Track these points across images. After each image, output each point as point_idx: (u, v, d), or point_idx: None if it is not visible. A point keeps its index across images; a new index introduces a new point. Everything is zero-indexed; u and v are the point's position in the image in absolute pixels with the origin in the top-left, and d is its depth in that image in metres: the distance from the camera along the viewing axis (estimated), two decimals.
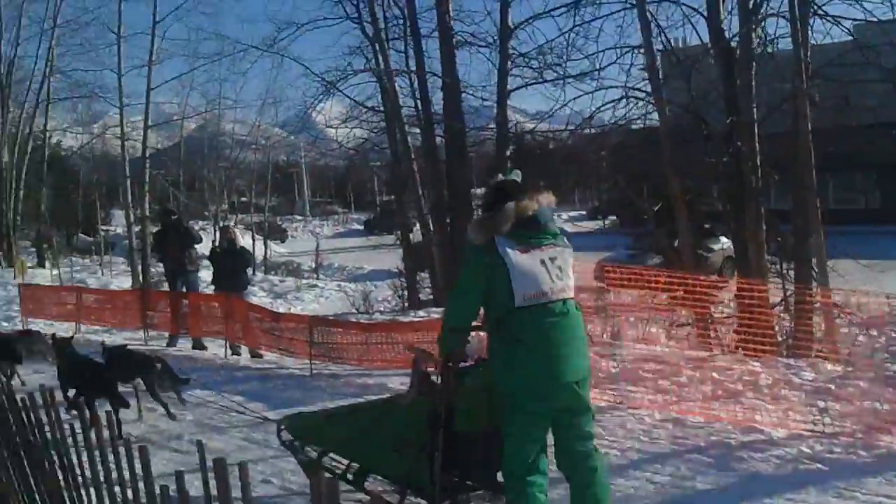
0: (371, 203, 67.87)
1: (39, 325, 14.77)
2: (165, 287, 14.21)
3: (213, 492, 2.10)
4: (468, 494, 4.59)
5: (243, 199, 48.64)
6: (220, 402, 7.91)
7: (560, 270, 4.04)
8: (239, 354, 11.21)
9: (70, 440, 3.17)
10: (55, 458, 3.27)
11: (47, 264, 31.88)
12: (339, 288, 24.10)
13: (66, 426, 3.17)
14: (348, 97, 18.15)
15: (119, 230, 50.01)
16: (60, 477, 3.27)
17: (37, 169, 34.42)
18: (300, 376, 9.42)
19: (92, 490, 3.07)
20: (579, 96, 15.80)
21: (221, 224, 26.54)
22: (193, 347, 11.86)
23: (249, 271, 12.61)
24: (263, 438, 6.44)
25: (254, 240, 33.96)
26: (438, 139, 17.17)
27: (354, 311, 18.43)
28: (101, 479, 3.00)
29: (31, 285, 17.06)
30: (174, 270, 12.40)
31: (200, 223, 32.89)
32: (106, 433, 2.95)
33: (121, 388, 6.79)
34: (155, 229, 16.92)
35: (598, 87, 14.24)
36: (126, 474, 2.75)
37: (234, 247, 11.96)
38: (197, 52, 26.93)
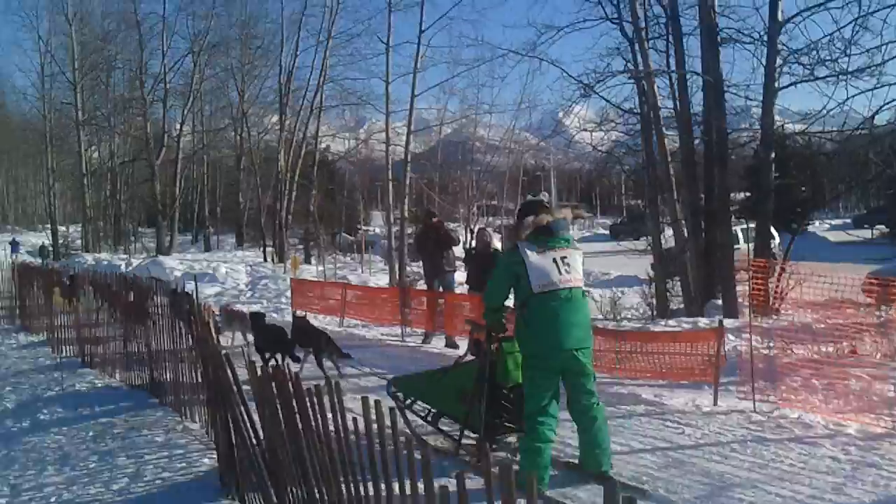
0: (617, 207, 66.91)
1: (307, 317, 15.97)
2: (422, 286, 14.75)
3: None
4: (505, 432, 6.07)
5: (492, 201, 49.60)
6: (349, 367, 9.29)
7: (569, 266, 5.39)
8: None
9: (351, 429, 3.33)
10: (334, 445, 3.45)
11: (313, 261, 34.30)
12: (585, 293, 23.80)
13: (350, 418, 3.33)
14: (605, 99, 17.89)
15: (377, 230, 52.86)
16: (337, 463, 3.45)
17: (308, 172, 37.12)
18: None
19: (370, 484, 3.22)
20: (855, 95, 14.49)
21: (475, 226, 27.20)
22: (446, 345, 12.18)
23: None
24: None
25: (502, 242, 34.47)
26: (697, 141, 16.47)
27: (601, 317, 18.13)
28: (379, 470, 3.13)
29: (302, 280, 18.36)
30: (432, 270, 12.82)
31: (451, 225, 33.95)
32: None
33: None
34: (416, 230, 17.52)
35: (879, 84, 13.09)
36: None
37: (489, 249, 12.16)
38: (458, 59, 27.77)
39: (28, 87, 49.26)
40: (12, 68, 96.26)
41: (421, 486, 2.76)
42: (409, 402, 6.49)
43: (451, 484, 2.60)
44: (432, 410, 6.40)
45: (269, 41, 39.34)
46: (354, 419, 3.27)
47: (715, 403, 7.62)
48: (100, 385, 9.38)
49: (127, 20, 42.14)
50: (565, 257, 5.42)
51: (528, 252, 5.36)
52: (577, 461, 5.66)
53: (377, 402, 3.06)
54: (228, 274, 24.91)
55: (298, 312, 11.75)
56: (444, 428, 6.39)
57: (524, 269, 5.33)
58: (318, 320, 15.56)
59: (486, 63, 28.37)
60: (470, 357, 6.65)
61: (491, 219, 44.81)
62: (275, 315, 17.06)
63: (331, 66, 34.70)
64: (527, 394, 5.41)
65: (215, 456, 6.01)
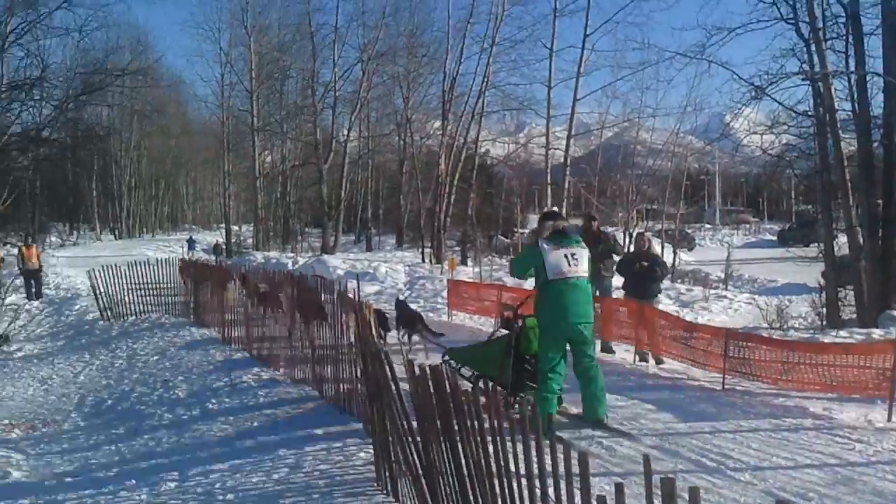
0: (786, 212, 63.78)
1: (462, 317, 16.16)
2: None
3: None
4: (526, 389, 7.19)
5: (651, 206, 48.40)
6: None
7: (576, 261, 6.89)
8: (646, 361, 11.07)
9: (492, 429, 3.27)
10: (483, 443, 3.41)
11: (469, 262, 34.62)
12: (749, 300, 22.83)
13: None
14: (777, 101, 17.08)
15: None
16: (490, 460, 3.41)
17: (467, 175, 37.53)
18: (710, 389, 8.99)
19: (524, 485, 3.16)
20: None
21: (634, 231, 26.64)
22: (602, 350, 11.95)
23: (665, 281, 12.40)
24: None
25: (662, 247, 33.63)
26: (875, 145, 15.46)
27: (766, 325, 17.31)
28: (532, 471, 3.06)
29: (458, 281, 18.53)
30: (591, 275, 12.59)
31: (610, 229, 33.40)
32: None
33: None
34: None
35: None
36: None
37: (649, 255, 11.87)
38: (622, 63, 27.24)
39: (209, 96, 52.54)
40: (195, 77, 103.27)
41: (578, 491, 2.68)
42: (459, 367, 7.66)
43: (609, 492, 2.52)
44: (475, 373, 7.57)
45: (434, 49, 40.10)
46: (510, 419, 3.20)
47: (889, 419, 7.15)
48: (265, 378, 9.78)
49: (301, 31, 44.26)
50: (574, 254, 6.95)
51: (546, 247, 6.97)
52: (580, 413, 7.12)
53: (533, 405, 2.98)
54: (388, 273, 25.49)
55: (399, 296, 13.95)
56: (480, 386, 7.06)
57: (542, 261, 6.92)
58: (473, 321, 15.74)
59: (652, 66, 27.68)
60: (502, 332, 8.13)
61: (651, 223, 43.74)
62: (431, 314, 17.34)
63: (493, 72, 35.03)
64: (540, 356, 6.97)
65: (372, 451, 6.11)
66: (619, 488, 2.49)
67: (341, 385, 7.82)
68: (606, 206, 38.18)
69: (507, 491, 3.29)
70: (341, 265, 29.11)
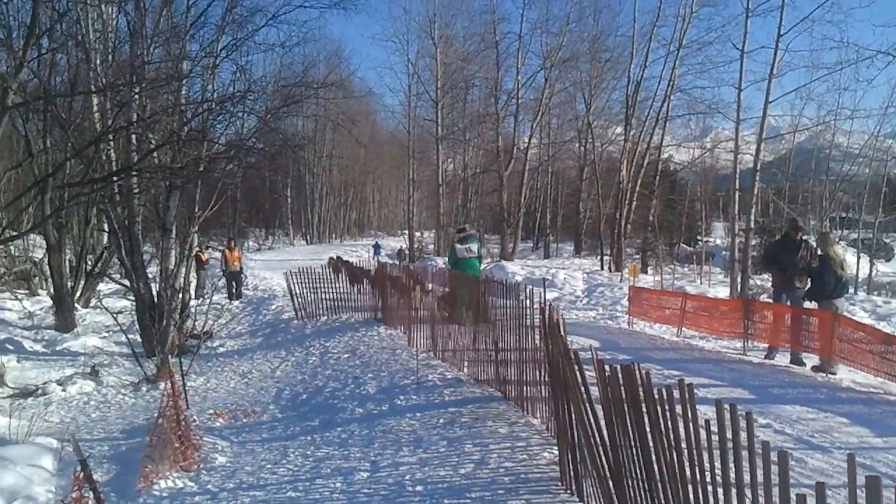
0: None
1: (641, 325, 15.90)
2: (765, 299, 13.92)
3: None
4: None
5: (846, 214, 45.42)
6: None
7: (470, 249, 13.86)
8: (834, 374, 10.48)
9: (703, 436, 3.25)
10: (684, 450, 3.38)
11: (650, 270, 33.92)
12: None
13: (702, 421, 3.25)
14: None
15: (718, 241, 50.93)
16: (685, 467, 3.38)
17: (649, 182, 36.85)
18: None
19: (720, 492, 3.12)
20: None
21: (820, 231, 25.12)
22: (791, 362, 11.44)
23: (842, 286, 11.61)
24: None
25: (858, 257, 31.54)
26: None
27: None
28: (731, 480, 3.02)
29: (640, 288, 18.22)
30: (783, 284, 12.07)
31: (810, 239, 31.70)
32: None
33: None
34: (767, 240, 16.59)
35: None
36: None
37: (826, 260, 11.30)
38: (818, 63, 25.78)
39: (396, 106, 54.52)
40: (383, 89, 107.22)
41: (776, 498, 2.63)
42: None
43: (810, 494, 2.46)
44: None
45: (618, 54, 39.84)
46: (707, 422, 3.17)
47: None
48: (449, 377, 10.03)
49: (486, 41, 45.17)
50: (471, 246, 13.92)
51: (457, 245, 13.98)
52: None
53: (733, 406, 2.95)
54: (566, 280, 25.40)
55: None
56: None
57: (454, 251, 13.91)
58: (654, 329, 15.45)
59: (851, 66, 25.97)
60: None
61: (846, 232, 41.08)
62: (610, 322, 17.17)
63: (679, 75, 34.35)
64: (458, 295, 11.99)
65: (555, 451, 6.17)
66: (819, 488, 2.43)
67: (525, 387, 7.92)
68: (798, 212, 36.26)
69: (700, 496, 3.26)
70: (520, 271, 29.32)
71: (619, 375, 3.90)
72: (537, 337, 7.33)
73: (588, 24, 41.93)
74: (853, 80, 41.47)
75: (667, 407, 3.40)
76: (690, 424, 3.24)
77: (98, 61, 15.46)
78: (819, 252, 11.63)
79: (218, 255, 26.78)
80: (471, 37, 47.78)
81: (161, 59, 15.84)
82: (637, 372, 3.67)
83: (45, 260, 20.60)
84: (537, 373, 7.37)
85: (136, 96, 13.93)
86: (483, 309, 10.19)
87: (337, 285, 18.02)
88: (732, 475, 3.02)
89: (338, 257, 21.57)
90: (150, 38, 15.36)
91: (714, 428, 3.13)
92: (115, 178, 13.57)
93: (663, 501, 3.62)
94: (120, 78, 14.78)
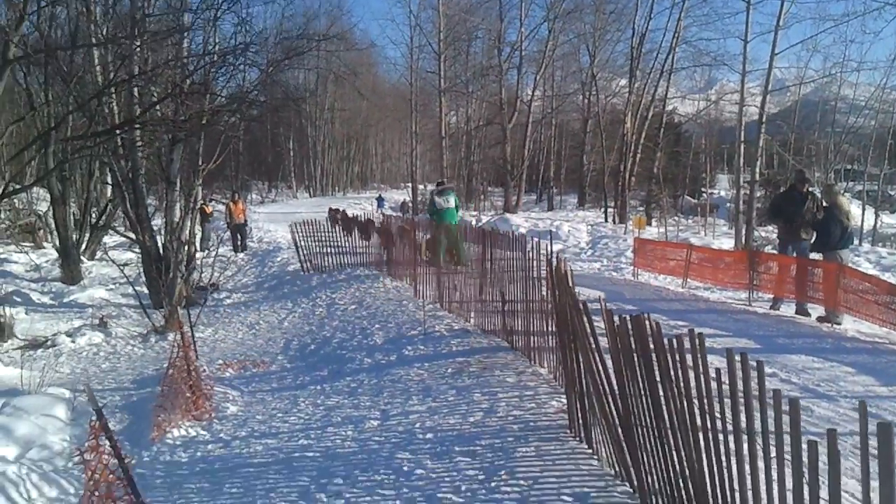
0: None
1: (646, 276, 15.98)
2: (769, 251, 13.94)
3: None
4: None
5: (852, 166, 45.17)
6: None
7: (448, 201, 15.35)
8: (839, 324, 10.58)
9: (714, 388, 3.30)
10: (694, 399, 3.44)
11: (654, 223, 33.92)
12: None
13: (713, 370, 3.30)
14: None
15: (722, 193, 50.84)
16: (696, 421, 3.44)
17: (653, 134, 36.66)
18: None
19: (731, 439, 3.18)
20: None
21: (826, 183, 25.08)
22: (796, 312, 11.53)
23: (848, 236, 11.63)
24: None
25: (863, 209, 31.53)
26: None
27: None
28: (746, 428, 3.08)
29: (645, 240, 18.26)
30: (788, 235, 12.09)
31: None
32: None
33: None
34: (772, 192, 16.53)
35: None
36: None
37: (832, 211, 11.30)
38: (825, 14, 25.50)
39: (398, 58, 54.03)
40: (385, 41, 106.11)
41: (788, 446, 2.69)
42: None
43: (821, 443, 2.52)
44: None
45: (623, 5, 39.38)
46: (718, 371, 3.22)
47: None
48: (456, 328, 10.12)
49: None
50: (448, 199, 15.36)
51: (436, 198, 15.48)
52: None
53: (743, 355, 2.99)
54: (570, 233, 25.44)
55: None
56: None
57: (433, 203, 15.48)
58: (659, 280, 15.53)
59: (858, 17, 25.66)
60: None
61: (851, 184, 40.95)
62: (614, 273, 17.23)
63: (685, 26, 33.96)
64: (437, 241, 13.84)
65: (563, 400, 6.26)
66: (831, 434, 2.48)
67: (532, 337, 7.99)
68: (803, 165, 36.13)
69: (710, 442, 3.33)
70: (524, 223, 29.35)
71: (629, 325, 3.95)
72: (544, 288, 7.38)
73: None
74: (860, 32, 41.05)
75: (677, 356, 3.45)
76: (701, 373, 3.29)
77: (99, 14, 15.32)
78: (825, 203, 11.64)
79: (222, 207, 26.80)
80: None
81: (162, 12, 15.66)
82: (647, 322, 3.71)
83: (50, 213, 20.65)
84: (544, 323, 7.45)
85: (138, 49, 13.81)
86: (458, 252, 13.44)
87: (342, 238, 18.06)
88: (742, 423, 3.08)
89: (337, 209, 21.60)
90: None
91: (724, 377, 3.17)
92: (117, 132, 13.52)
93: (673, 448, 3.69)
94: (121, 31, 14.65)
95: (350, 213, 20.97)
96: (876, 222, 32.52)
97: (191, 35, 16.38)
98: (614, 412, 4.53)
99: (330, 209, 22.09)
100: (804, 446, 2.61)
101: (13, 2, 13.62)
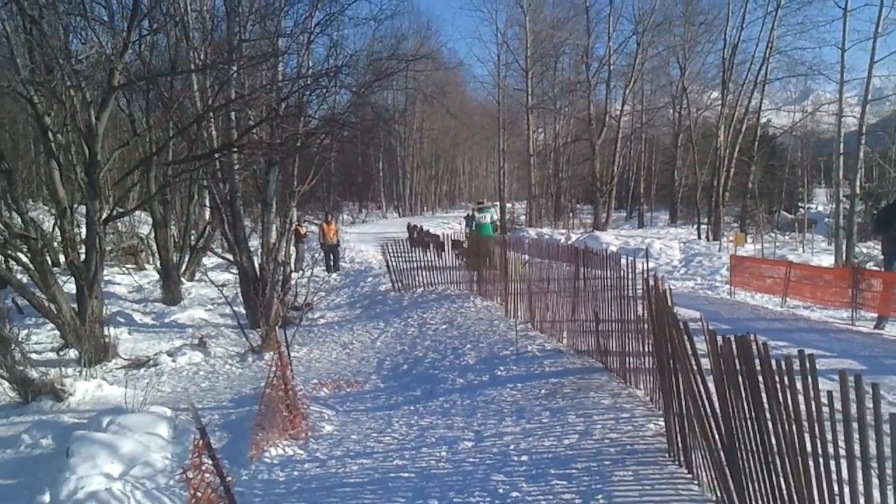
0: None
1: (742, 295, 15.54)
2: (871, 267, 13.39)
3: None
4: None
5: None
6: None
7: (484, 218, 23.00)
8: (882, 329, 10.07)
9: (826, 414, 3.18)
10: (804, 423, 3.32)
11: (749, 238, 33.03)
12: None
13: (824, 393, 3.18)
14: None
15: (820, 208, 49.19)
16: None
17: (747, 147, 35.80)
18: None
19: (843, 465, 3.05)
20: None
21: None
22: (875, 327, 11.04)
23: None
24: None
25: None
26: None
27: None
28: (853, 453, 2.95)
29: (742, 257, 17.78)
30: (893, 251, 11.60)
31: None
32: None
33: None
34: (875, 207, 15.92)
35: None
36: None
37: None
38: None
39: (485, 76, 54.44)
40: (473, 59, 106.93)
41: None
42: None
43: None
44: None
45: (713, 16, 38.70)
46: (829, 394, 3.10)
47: None
48: (549, 348, 10.04)
49: (576, 7, 44.59)
50: (485, 216, 23.37)
51: (476, 214, 24.29)
52: None
53: (857, 378, 2.87)
54: (662, 250, 24.95)
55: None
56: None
57: (474, 218, 24.07)
58: (755, 299, 15.07)
59: None
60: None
61: None
62: (709, 292, 16.82)
63: (778, 36, 33.07)
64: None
65: (661, 423, 6.12)
66: None
67: (627, 358, 7.86)
68: None
69: (821, 469, 3.20)
70: (614, 241, 28.96)
71: (734, 346, 3.85)
72: (639, 307, 7.26)
73: None
74: None
75: (785, 378, 3.34)
76: (812, 396, 3.18)
77: (197, 40, 15.90)
78: None
79: (315, 228, 27.32)
80: (560, 3, 47.29)
81: (258, 37, 16.15)
82: (754, 343, 3.61)
83: (152, 235, 21.44)
84: (640, 344, 7.32)
85: (235, 74, 14.26)
86: (491, 258, 15.03)
87: (433, 257, 18.20)
88: (856, 449, 2.96)
89: (416, 226, 21.95)
90: (247, 16, 15.66)
91: (834, 400, 3.05)
92: (216, 155, 13.97)
93: (781, 474, 3.57)
94: (218, 56, 15.15)
95: (430, 229, 21.36)
96: None
97: (285, 59, 16.88)
98: (717, 436, 4.41)
99: (409, 225, 22.60)
100: None
101: (117, 31, 14.29)
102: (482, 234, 19.26)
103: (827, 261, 22.68)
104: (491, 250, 14.97)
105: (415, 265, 18.15)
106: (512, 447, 6.43)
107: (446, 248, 18.60)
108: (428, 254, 18.34)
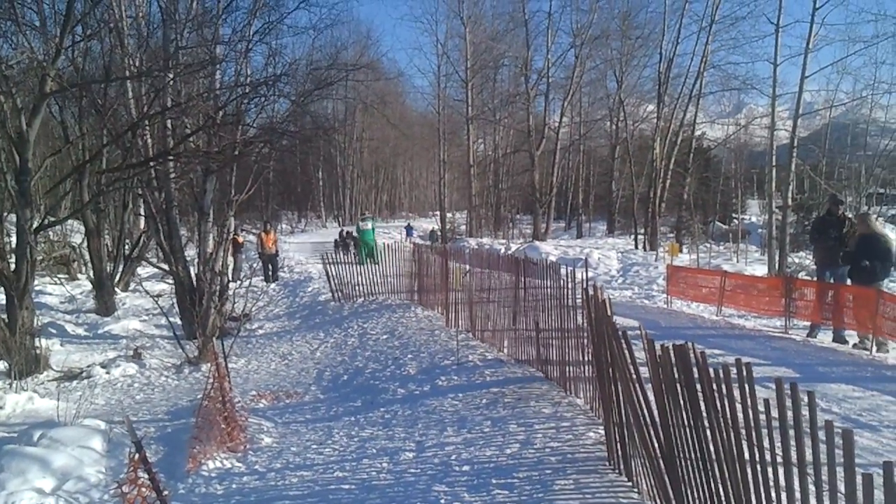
0: None
1: (679, 304, 15.80)
2: (802, 276, 13.74)
3: None
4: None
5: (885, 189, 44.58)
6: None
7: (366, 225, 24.77)
8: (887, 352, 10.38)
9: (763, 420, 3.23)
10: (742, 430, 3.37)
11: (685, 249, 33.65)
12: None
13: (761, 401, 3.23)
14: None
15: (753, 219, 50.40)
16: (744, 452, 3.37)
17: (682, 159, 36.49)
18: None
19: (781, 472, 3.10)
20: None
21: (859, 212, 24.79)
22: (834, 340, 11.35)
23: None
24: None
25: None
26: None
27: None
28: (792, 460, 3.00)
29: (679, 267, 18.09)
30: (826, 261, 11.93)
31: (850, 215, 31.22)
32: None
33: None
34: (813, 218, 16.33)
35: None
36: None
37: (872, 237, 11.07)
38: (854, 36, 25.30)
39: (426, 87, 54.49)
40: (413, 70, 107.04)
41: (841, 479, 2.62)
42: None
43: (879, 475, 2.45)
44: None
45: (649, 31, 39.39)
46: (766, 401, 3.15)
47: None
48: (490, 358, 10.06)
49: (515, 20, 44.91)
50: (367, 223, 24.44)
51: (360, 223, 25.70)
52: None
53: (793, 386, 2.93)
54: (600, 260, 25.27)
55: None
56: None
57: (358, 226, 25.38)
58: (692, 308, 15.34)
59: (888, 39, 25.45)
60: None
61: (884, 208, 40.43)
62: (646, 301, 17.06)
63: (712, 51, 33.86)
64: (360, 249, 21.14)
65: (601, 431, 6.17)
66: (888, 467, 2.41)
67: (567, 367, 7.92)
68: (834, 189, 35.81)
69: (759, 476, 3.25)
70: (553, 251, 29.24)
71: (672, 355, 3.89)
72: (579, 317, 7.32)
73: (618, 1, 41.61)
74: (891, 54, 40.55)
75: (723, 386, 3.39)
76: (749, 404, 3.22)
77: (132, 47, 15.59)
78: (872, 231, 11.33)
79: (252, 238, 26.98)
80: (500, 16, 47.57)
81: (195, 45, 15.91)
82: (692, 351, 3.66)
83: (84, 245, 20.90)
84: (580, 353, 7.38)
85: (171, 82, 14.03)
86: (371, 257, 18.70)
87: (372, 267, 18.11)
88: (793, 456, 3.01)
89: (346, 232, 22.17)
90: (183, 23, 15.41)
91: (773, 407, 3.10)
92: (151, 164, 13.70)
93: (719, 481, 3.61)
94: (154, 64, 14.89)
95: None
96: None
97: (223, 67, 16.66)
98: (656, 444, 4.46)
99: (341, 232, 23.22)
100: (858, 479, 2.53)
101: (49, 37, 13.93)
102: (364, 238, 23.84)
103: (760, 270, 23.19)
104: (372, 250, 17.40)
105: (356, 276, 18.04)
106: (453, 457, 6.41)
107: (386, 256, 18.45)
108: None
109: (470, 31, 42.97)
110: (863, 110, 37.86)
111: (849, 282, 11.58)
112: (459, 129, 49.84)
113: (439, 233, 45.74)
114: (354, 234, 28.23)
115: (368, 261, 19.55)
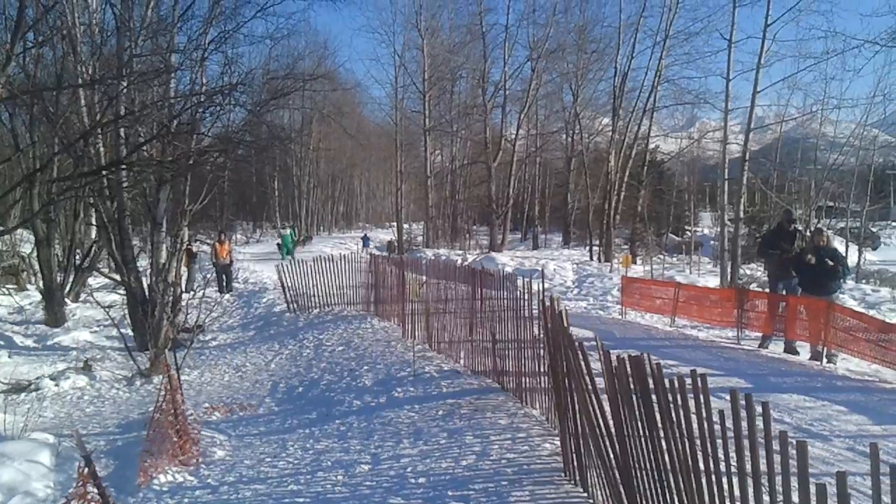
0: None
1: (633, 315, 15.96)
2: (755, 288, 13.97)
3: None
4: None
5: (834, 203, 45.61)
6: None
7: (286, 231, 37.03)
8: (835, 363, 10.58)
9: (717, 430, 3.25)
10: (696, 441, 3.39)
11: (639, 260, 34.04)
12: None
13: (716, 412, 3.25)
14: None
15: (706, 231, 51.16)
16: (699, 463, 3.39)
17: (636, 172, 36.94)
18: None
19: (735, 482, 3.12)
20: None
21: (813, 227, 25.32)
22: (785, 350, 11.55)
23: (845, 279, 11.72)
24: None
25: (847, 246, 31.80)
26: None
27: None
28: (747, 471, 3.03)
29: (633, 278, 18.28)
30: (778, 273, 12.15)
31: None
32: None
33: None
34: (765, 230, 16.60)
35: None
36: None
37: (825, 250, 11.33)
38: (805, 53, 25.74)
39: (383, 98, 54.42)
40: (370, 81, 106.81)
41: (795, 490, 2.65)
42: None
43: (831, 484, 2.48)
44: None
45: (605, 45, 39.75)
46: (721, 412, 3.18)
47: None
48: (446, 369, 10.04)
49: (472, 32, 45.06)
50: (286, 230, 36.19)
51: (281, 230, 38.26)
52: None
53: (748, 397, 2.95)
54: (556, 271, 25.44)
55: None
56: None
57: (280, 233, 37.91)
58: (646, 319, 15.50)
59: (838, 55, 26.04)
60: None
61: (833, 221, 41.33)
62: (601, 312, 17.20)
63: (666, 65, 34.34)
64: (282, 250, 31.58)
65: (557, 442, 6.18)
66: (841, 477, 2.45)
67: (523, 378, 7.93)
68: (785, 202, 36.51)
69: (714, 486, 3.27)
70: (510, 262, 29.37)
71: (628, 366, 3.91)
72: (535, 328, 7.34)
73: (574, 15, 41.92)
74: (840, 70, 41.64)
75: (678, 397, 3.41)
76: (704, 415, 3.25)
77: (85, 54, 15.33)
78: (825, 243, 11.58)
79: (206, 248, 26.65)
80: (457, 28, 47.74)
81: (149, 53, 15.67)
82: (647, 362, 3.68)
83: (34, 254, 20.45)
84: (536, 363, 7.40)
85: (124, 90, 13.82)
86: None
87: (329, 278, 17.96)
88: (747, 466, 3.04)
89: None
90: (138, 31, 15.18)
91: (727, 418, 3.13)
92: (104, 173, 13.44)
93: (674, 491, 3.63)
94: (108, 71, 14.65)
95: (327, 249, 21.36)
96: (859, 259, 32.77)
97: (178, 76, 16.45)
98: (611, 454, 4.47)
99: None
100: (812, 489, 2.56)
101: (0, 43, 13.63)
102: (284, 242, 33.45)
103: (713, 282, 23.53)
104: (290, 250, 19.53)
105: (312, 286, 17.87)
106: (409, 469, 6.37)
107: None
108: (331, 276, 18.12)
109: (427, 42, 43.05)
110: (813, 125, 38.66)
111: (800, 292, 11.81)
112: (417, 140, 49.85)
113: (396, 244, 45.65)
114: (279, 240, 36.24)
115: (288, 258, 25.85)
